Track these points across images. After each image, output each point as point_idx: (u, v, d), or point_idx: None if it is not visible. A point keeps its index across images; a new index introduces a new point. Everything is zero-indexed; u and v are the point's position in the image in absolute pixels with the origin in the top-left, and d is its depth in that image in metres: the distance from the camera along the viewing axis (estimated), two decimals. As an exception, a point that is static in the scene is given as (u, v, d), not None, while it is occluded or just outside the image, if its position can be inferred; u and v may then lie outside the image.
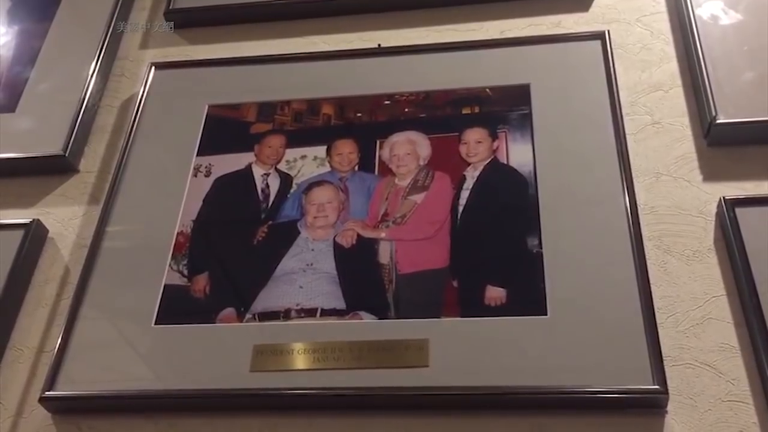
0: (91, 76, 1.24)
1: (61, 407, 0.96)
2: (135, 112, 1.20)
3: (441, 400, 0.89)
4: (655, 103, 1.10)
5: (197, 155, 1.14)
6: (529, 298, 0.93)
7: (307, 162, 1.12)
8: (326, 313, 0.97)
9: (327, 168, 1.11)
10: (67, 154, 1.16)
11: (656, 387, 0.85)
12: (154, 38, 1.34)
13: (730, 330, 0.90)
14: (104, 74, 1.28)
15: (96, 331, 1.00)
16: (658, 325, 0.89)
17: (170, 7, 1.33)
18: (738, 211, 0.95)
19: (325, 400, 0.91)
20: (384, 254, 1.01)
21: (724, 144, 1.04)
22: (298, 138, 1.15)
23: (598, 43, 1.14)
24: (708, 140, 1.04)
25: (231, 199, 1.11)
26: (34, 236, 1.09)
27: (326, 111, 1.17)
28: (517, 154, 1.06)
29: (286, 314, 0.98)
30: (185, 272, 1.04)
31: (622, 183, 1.00)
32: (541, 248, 0.97)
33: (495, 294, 0.94)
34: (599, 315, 0.91)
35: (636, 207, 0.98)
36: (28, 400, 0.98)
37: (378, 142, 1.11)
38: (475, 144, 1.08)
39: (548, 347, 0.89)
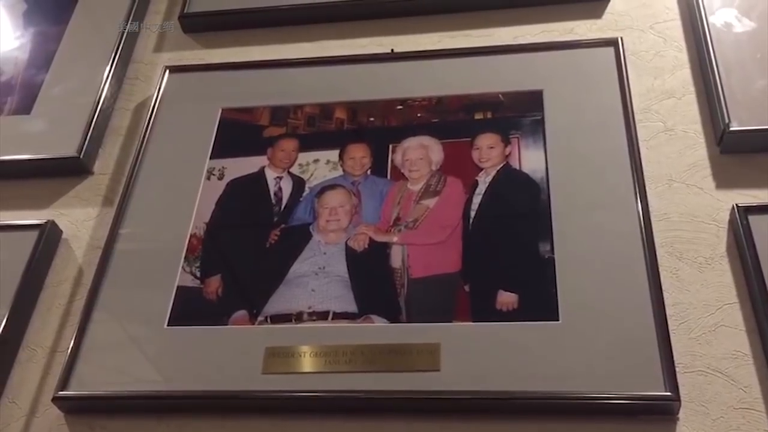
0: (106, 79, 1.25)
1: (74, 407, 0.96)
2: (149, 115, 1.21)
3: (452, 404, 0.89)
4: (668, 110, 1.10)
5: (210, 158, 1.15)
6: (540, 304, 0.93)
7: (319, 166, 1.12)
8: (338, 316, 0.97)
9: (339, 172, 1.11)
10: (81, 156, 1.17)
11: (668, 394, 0.85)
12: (169, 42, 1.35)
13: (743, 337, 0.90)
14: (119, 77, 1.29)
15: (109, 332, 1.01)
16: (670, 332, 0.89)
17: (184, 12, 1.34)
18: (751, 218, 0.95)
19: (337, 402, 0.91)
20: (396, 258, 1.01)
21: (737, 151, 1.04)
22: (311, 142, 1.15)
23: (611, 50, 1.14)
24: (721, 147, 1.04)
25: (244, 202, 1.11)
26: (48, 237, 1.10)
27: (339, 115, 1.17)
28: (530, 160, 1.06)
29: (298, 317, 0.98)
30: (198, 274, 1.04)
31: (634, 189, 1.00)
32: (553, 254, 0.97)
33: (507, 299, 0.95)
34: (611, 321, 0.91)
35: (648, 213, 0.98)
36: (41, 400, 0.98)
37: (390, 147, 1.12)
38: (487, 149, 1.08)
39: (560, 353, 0.90)
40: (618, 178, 1.01)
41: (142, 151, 1.17)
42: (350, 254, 1.03)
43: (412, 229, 1.04)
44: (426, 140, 1.11)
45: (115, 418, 0.95)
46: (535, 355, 0.90)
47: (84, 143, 1.18)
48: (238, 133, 1.18)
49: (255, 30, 1.32)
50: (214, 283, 1.03)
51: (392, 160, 1.11)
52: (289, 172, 1.13)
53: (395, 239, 1.03)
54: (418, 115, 1.15)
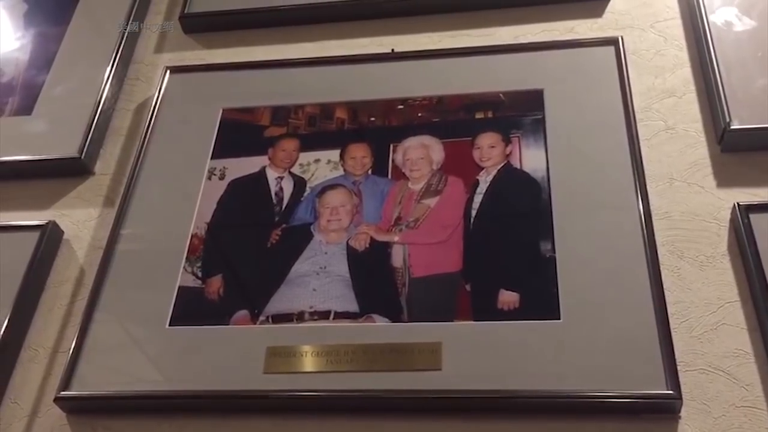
0: (107, 79, 1.25)
1: (76, 407, 0.96)
2: (150, 115, 1.21)
3: (453, 403, 0.89)
4: (669, 109, 1.10)
5: (211, 158, 1.15)
6: (542, 303, 0.93)
7: (320, 166, 1.12)
8: (339, 315, 0.97)
9: (340, 172, 1.11)
10: (82, 157, 1.17)
11: (670, 392, 0.85)
12: (169, 42, 1.35)
13: (744, 335, 0.90)
14: (119, 78, 1.29)
15: (110, 332, 1.01)
16: (671, 330, 0.89)
17: (185, 12, 1.34)
18: (752, 217, 0.95)
19: (338, 402, 0.91)
20: (397, 258, 1.01)
21: (737, 150, 1.04)
22: (312, 142, 1.15)
23: (611, 49, 1.14)
24: (722, 146, 1.04)
25: (245, 202, 1.11)
26: (50, 238, 1.10)
27: (340, 115, 1.17)
28: (531, 159, 1.06)
29: (299, 317, 0.98)
30: (199, 274, 1.04)
31: (635, 188, 1.00)
32: (554, 252, 0.97)
33: (508, 298, 0.95)
34: (612, 320, 0.91)
35: (649, 212, 0.98)
36: (43, 400, 0.98)
37: (391, 146, 1.12)
38: (488, 149, 1.08)
39: (561, 351, 0.90)
40: (619, 176, 1.02)
41: (143, 152, 1.17)
42: (351, 254, 1.03)
43: (413, 228, 1.04)
44: (427, 140, 1.11)
45: (117, 418, 0.95)
46: (536, 354, 0.90)
47: (85, 144, 1.18)
48: (239, 133, 1.18)
49: (255, 30, 1.32)
50: (216, 283, 1.03)
51: (393, 160, 1.11)
52: (290, 172, 1.13)
53: (396, 239, 1.03)
54: (419, 114, 1.15)
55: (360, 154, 1.12)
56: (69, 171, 1.19)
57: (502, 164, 1.07)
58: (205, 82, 1.25)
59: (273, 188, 1.12)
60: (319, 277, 1.01)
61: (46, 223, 1.10)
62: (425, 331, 0.94)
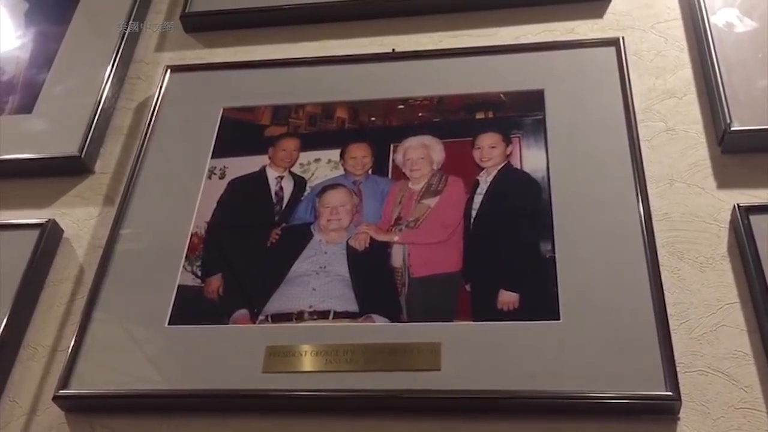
0: (107, 78, 1.25)
1: (74, 406, 0.96)
2: (150, 114, 1.21)
3: (452, 403, 0.89)
4: (669, 110, 1.10)
5: (212, 158, 1.15)
6: (541, 303, 0.93)
7: (320, 165, 1.12)
8: (339, 315, 0.97)
9: (341, 171, 1.11)
10: (82, 156, 1.17)
11: (669, 393, 0.84)
12: (170, 41, 1.35)
13: (744, 337, 0.90)
14: (120, 77, 1.29)
15: (110, 331, 1.01)
16: (671, 332, 0.89)
17: (186, 11, 1.34)
18: (752, 218, 0.95)
19: (337, 402, 0.91)
20: (397, 258, 1.01)
21: (738, 151, 1.04)
22: (312, 141, 1.15)
23: (612, 50, 1.14)
24: (722, 147, 1.04)
25: (245, 201, 1.11)
26: (50, 236, 1.10)
27: (340, 115, 1.17)
28: (531, 160, 1.06)
29: (298, 316, 0.98)
30: (199, 273, 1.04)
31: (635, 189, 1.00)
32: (554, 253, 0.97)
33: (508, 298, 0.95)
34: (612, 320, 0.91)
35: (650, 213, 0.98)
36: (42, 399, 0.98)
37: (392, 146, 1.12)
38: (488, 149, 1.08)
39: (561, 352, 0.90)
40: (619, 177, 1.01)
41: (143, 151, 1.17)
42: (351, 253, 1.03)
43: (413, 228, 1.04)
44: (427, 140, 1.11)
45: (116, 417, 0.95)
46: (536, 354, 0.90)
47: (85, 142, 1.18)
48: (239, 133, 1.18)
49: (256, 29, 1.32)
50: (215, 283, 1.03)
51: (393, 160, 1.11)
52: (290, 172, 1.13)
53: (396, 238, 1.03)
54: (420, 114, 1.15)
55: (360, 153, 1.12)
56: (69, 170, 1.19)
57: (503, 164, 1.07)
58: (206, 81, 1.25)
59: (273, 188, 1.12)
60: (318, 277, 1.01)
61: (46, 221, 1.10)
62: (425, 331, 0.94)
